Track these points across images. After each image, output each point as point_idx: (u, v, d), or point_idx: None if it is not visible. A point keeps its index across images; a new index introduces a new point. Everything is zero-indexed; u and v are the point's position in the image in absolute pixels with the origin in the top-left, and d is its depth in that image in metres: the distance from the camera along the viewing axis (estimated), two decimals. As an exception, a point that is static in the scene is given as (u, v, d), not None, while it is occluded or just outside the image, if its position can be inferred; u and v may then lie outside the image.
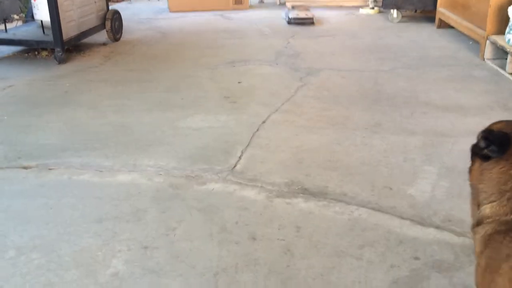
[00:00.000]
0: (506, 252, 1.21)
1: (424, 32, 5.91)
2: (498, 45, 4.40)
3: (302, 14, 6.51)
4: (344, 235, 2.16)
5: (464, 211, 2.22)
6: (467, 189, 1.45)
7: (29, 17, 5.52)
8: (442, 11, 5.88)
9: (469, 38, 5.22)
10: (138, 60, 4.95)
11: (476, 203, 1.35)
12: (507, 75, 4.18)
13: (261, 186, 2.56)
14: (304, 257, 2.03)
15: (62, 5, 4.67)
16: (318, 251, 2.06)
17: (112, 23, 5.53)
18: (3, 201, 2.49)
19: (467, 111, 3.48)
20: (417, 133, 3.14)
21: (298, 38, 5.72)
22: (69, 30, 4.82)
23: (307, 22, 6.37)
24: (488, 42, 4.55)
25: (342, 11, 7.39)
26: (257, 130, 3.24)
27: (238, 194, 2.50)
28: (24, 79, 4.39)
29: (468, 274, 1.89)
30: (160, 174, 2.71)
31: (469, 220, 1.43)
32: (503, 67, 4.30)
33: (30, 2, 5.15)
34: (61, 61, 4.76)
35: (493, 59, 4.56)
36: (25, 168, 2.81)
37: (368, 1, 7.32)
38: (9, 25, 5.28)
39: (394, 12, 6.46)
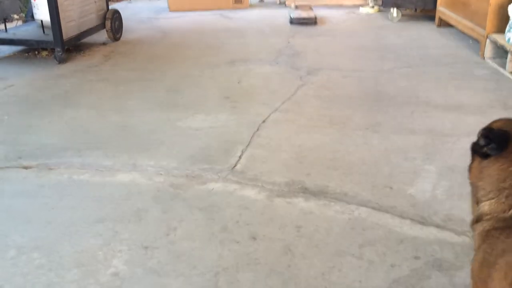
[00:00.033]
0: (502, 247, 1.23)
1: (424, 31, 5.91)
2: (498, 44, 4.40)
3: (304, 14, 6.50)
4: (344, 234, 2.17)
5: (464, 211, 2.22)
6: (467, 189, 1.45)
7: (29, 17, 5.52)
8: (442, 10, 5.88)
9: (469, 37, 5.22)
10: (138, 60, 4.95)
11: (475, 201, 1.37)
12: (507, 74, 4.17)
13: (262, 186, 2.57)
14: (304, 257, 2.03)
15: (62, 4, 4.67)
16: (318, 251, 2.06)
17: (112, 23, 5.53)
18: (4, 201, 2.49)
19: (468, 110, 3.48)
20: (418, 132, 3.14)
21: (298, 37, 5.72)
22: (69, 30, 4.82)
23: (309, 22, 6.35)
24: (488, 41, 4.55)
25: (342, 10, 7.39)
26: (258, 129, 3.24)
27: (239, 193, 2.50)
28: (24, 79, 4.39)
29: (468, 274, 1.89)
30: (161, 174, 2.71)
31: (469, 219, 1.43)
32: (503, 66, 4.30)
33: (30, 2, 5.15)
34: (61, 61, 4.76)
35: (493, 58, 4.56)
36: (25, 168, 2.81)
37: (368, 0, 7.31)
38: (9, 25, 5.28)
39: (394, 11, 6.46)
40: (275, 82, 4.20)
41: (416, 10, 6.87)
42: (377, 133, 3.14)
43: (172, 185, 2.60)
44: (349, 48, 5.25)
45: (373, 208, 2.35)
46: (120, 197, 2.49)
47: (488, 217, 1.30)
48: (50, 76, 4.46)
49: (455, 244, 2.08)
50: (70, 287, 1.90)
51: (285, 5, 7.85)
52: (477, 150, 1.37)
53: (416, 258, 2.00)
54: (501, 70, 4.28)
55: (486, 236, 1.29)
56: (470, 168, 1.41)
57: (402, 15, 6.52)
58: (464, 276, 1.90)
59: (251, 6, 7.80)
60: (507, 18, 4.34)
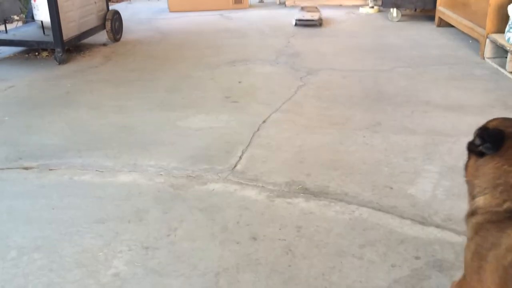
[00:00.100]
0: (492, 240, 1.26)
1: (424, 31, 5.91)
2: (498, 44, 4.40)
3: (307, 16, 6.48)
4: (345, 234, 2.17)
5: (465, 210, 2.21)
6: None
7: (29, 17, 5.53)
8: (442, 10, 5.89)
9: (469, 36, 5.22)
10: (138, 60, 4.95)
11: (471, 198, 1.40)
12: (507, 73, 4.18)
13: (262, 186, 2.57)
14: (305, 257, 2.03)
15: (62, 5, 4.68)
16: (319, 251, 2.07)
17: (112, 24, 5.53)
18: (4, 202, 2.49)
19: (468, 110, 3.48)
20: (418, 132, 3.14)
21: (298, 38, 5.73)
22: (69, 31, 4.83)
23: (313, 24, 6.32)
24: (488, 40, 4.55)
25: (342, 10, 7.39)
26: (258, 129, 3.24)
27: (239, 194, 2.51)
28: (24, 79, 4.39)
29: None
30: (161, 174, 2.71)
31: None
32: (503, 65, 4.30)
33: (30, 3, 5.16)
34: (62, 62, 4.76)
35: (493, 57, 4.56)
36: (26, 168, 2.81)
37: (368, 0, 7.32)
38: (9, 26, 5.28)
39: (394, 11, 6.47)
40: (276, 82, 4.20)
41: (415, 10, 6.87)
42: (377, 133, 3.14)
43: (173, 185, 2.60)
44: (349, 48, 5.25)
45: (374, 208, 2.35)
46: (120, 197, 2.50)
47: (482, 210, 1.33)
48: (51, 77, 4.46)
49: (455, 244, 2.08)
50: (71, 288, 1.90)
51: (285, 5, 7.86)
52: (473, 149, 1.40)
53: (417, 258, 2.01)
54: (501, 70, 4.28)
55: (479, 229, 1.32)
56: (466, 166, 1.44)
57: (402, 15, 6.52)
58: (465, 276, 1.90)
59: (251, 6, 7.81)
60: (507, 18, 4.34)
